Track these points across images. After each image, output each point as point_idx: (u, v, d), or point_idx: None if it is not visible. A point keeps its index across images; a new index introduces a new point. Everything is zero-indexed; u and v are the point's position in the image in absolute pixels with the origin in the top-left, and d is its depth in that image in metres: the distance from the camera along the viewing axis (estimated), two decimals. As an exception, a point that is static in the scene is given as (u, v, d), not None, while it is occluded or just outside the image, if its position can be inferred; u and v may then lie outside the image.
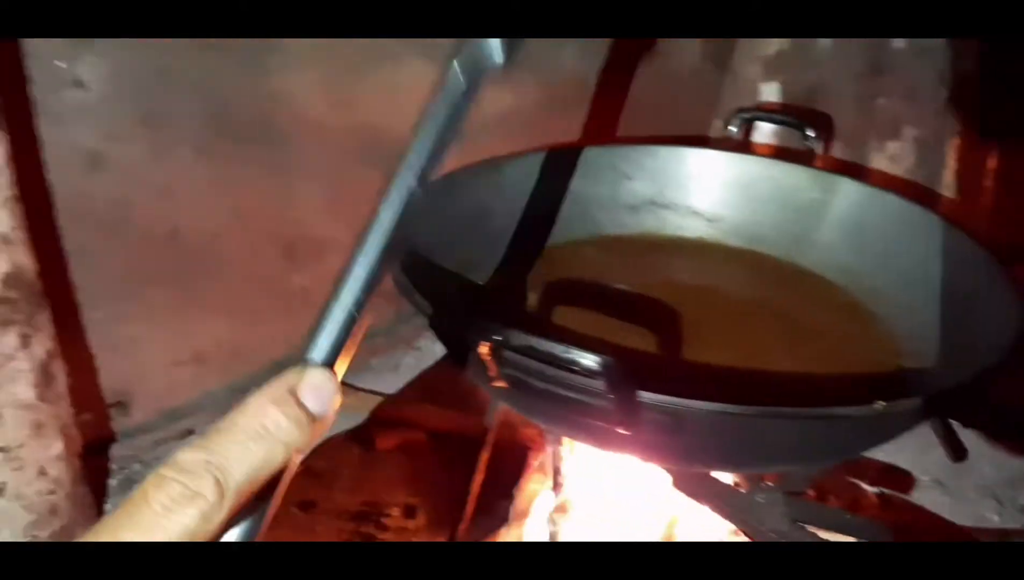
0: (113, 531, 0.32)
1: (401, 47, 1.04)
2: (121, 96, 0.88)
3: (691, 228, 0.88)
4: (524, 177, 0.84)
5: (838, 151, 1.20)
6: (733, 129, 0.93)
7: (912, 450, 1.05)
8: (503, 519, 0.88)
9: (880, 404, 0.50)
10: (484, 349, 0.51)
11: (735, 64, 1.29)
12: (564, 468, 0.82)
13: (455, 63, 0.47)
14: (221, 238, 1.02)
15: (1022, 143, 1.09)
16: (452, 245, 0.76)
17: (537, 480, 0.87)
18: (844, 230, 0.82)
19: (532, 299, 0.76)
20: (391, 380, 1.19)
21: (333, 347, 0.41)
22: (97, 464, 0.97)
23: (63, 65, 0.83)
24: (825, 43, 1.19)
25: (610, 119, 1.30)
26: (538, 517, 0.83)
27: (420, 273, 0.65)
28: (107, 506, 0.96)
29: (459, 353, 0.64)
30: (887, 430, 0.58)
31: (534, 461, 0.89)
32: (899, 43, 1.14)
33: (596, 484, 0.80)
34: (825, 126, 1.12)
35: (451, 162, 0.81)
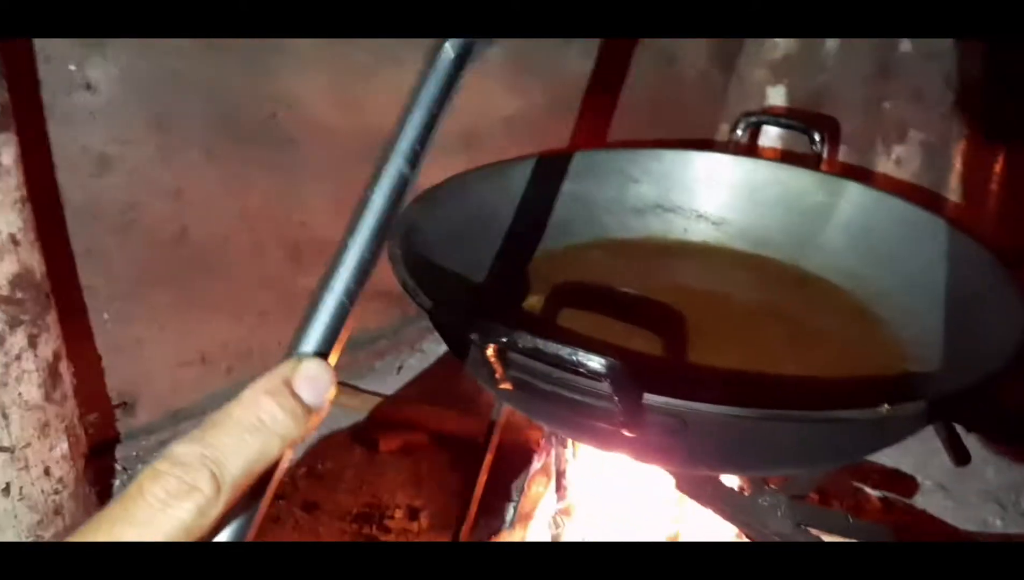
0: (109, 525, 0.32)
1: (407, 50, 1.04)
2: (130, 99, 0.88)
3: (697, 232, 0.88)
4: (530, 180, 0.84)
5: (844, 155, 1.20)
6: (739, 133, 0.93)
7: (915, 454, 1.05)
8: (507, 521, 0.88)
9: (885, 407, 0.50)
10: (490, 351, 0.51)
11: (741, 68, 1.29)
12: (568, 471, 0.82)
13: (446, 44, 0.46)
14: (228, 240, 1.02)
15: (1028, 147, 1.09)
16: (459, 247, 0.76)
17: (541, 483, 0.87)
18: (850, 234, 0.82)
19: (538, 302, 0.76)
20: (394, 382, 1.19)
21: (326, 338, 0.39)
22: (102, 464, 0.98)
23: (73, 68, 0.84)
24: (831, 47, 1.19)
25: (602, 122, 1.30)
26: (542, 519, 0.83)
27: (426, 275, 0.65)
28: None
29: (465, 355, 0.64)
30: (891, 434, 0.58)
31: (538, 463, 0.89)
32: (905, 47, 1.14)
33: (600, 487, 0.80)
34: (831, 130, 1.13)
35: (459, 165, 0.82)
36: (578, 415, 0.53)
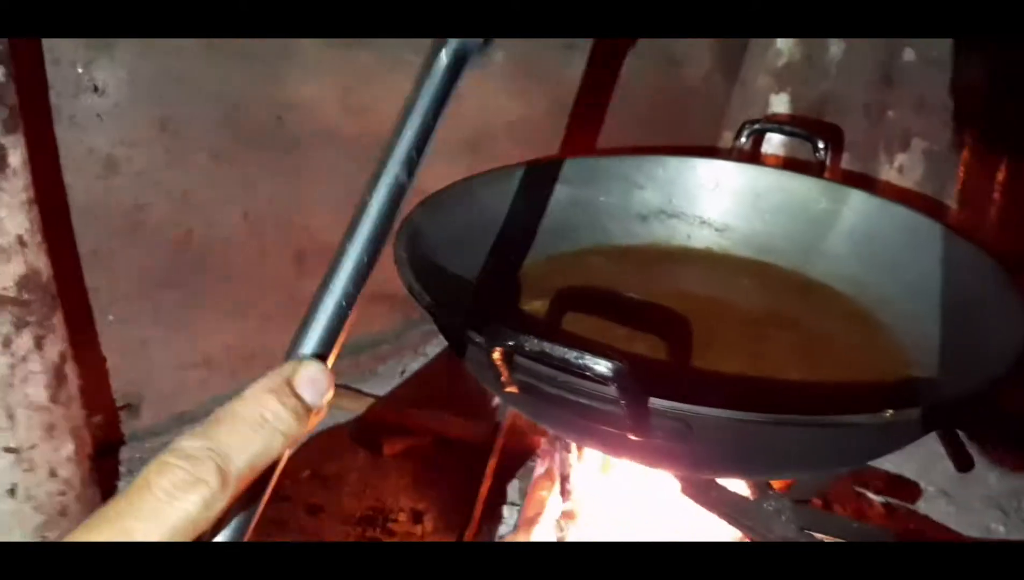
0: (116, 517, 0.32)
1: (414, 54, 1.05)
2: (137, 101, 0.89)
3: (701, 238, 0.88)
4: (534, 185, 0.85)
5: (847, 162, 1.20)
6: (743, 140, 0.93)
7: (918, 460, 1.05)
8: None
9: (888, 413, 0.50)
10: (496, 354, 0.51)
11: (745, 75, 1.29)
12: (572, 474, 0.83)
13: (442, 52, 0.47)
14: (233, 243, 1.02)
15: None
16: (463, 251, 0.77)
17: (545, 486, 0.87)
18: (853, 241, 0.82)
19: (542, 306, 0.76)
20: (398, 386, 1.19)
21: (325, 340, 0.40)
22: (107, 466, 0.98)
23: (80, 70, 0.85)
24: (834, 54, 1.20)
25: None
26: (546, 523, 0.84)
27: (431, 278, 0.66)
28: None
29: (470, 358, 0.64)
30: (895, 439, 0.58)
31: (541, 467, 0.89)
32: (909, 55, 1.15)
33: (604, 490, 0.80)
34: (834, 138, 1.13)
35: (463, 170, 0.82)
36: (583, 419, 0.53)
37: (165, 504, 0.32)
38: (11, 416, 0.78)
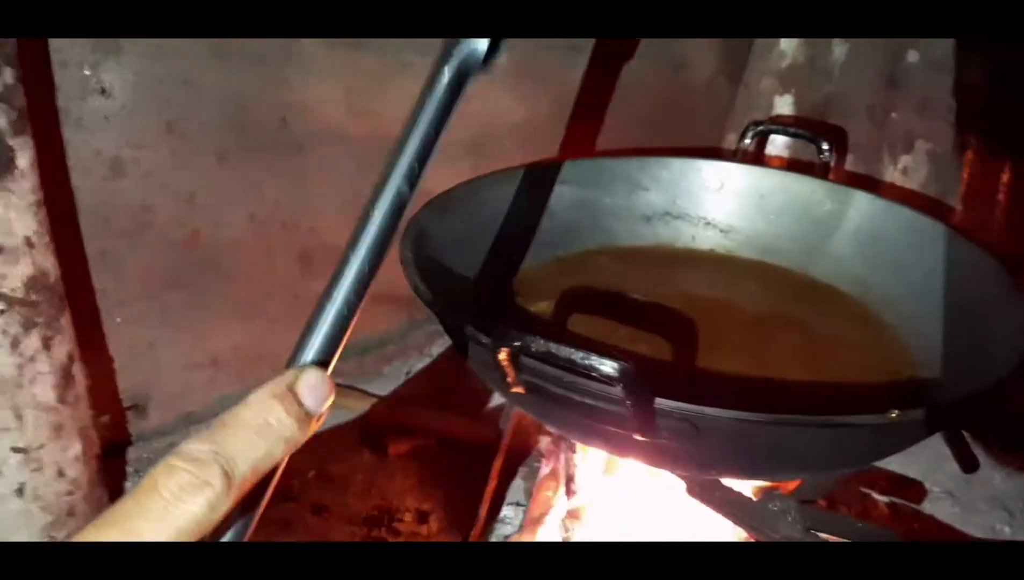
0: (123, 518, 0.33)
1: (419, 57, 1.05)
2: (144, 104, 0.89)
3: (705, 239, 0.88)
4: (539, 186, 0.85)
5: (851, 164, 1.20)
6: (747, 141, 0.93)
7: (923, 461, 1.05)
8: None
9: (894, 413, 0.50)
10: (502, 355, 0.51)
11: (748, 77, 1.29)
12: (577, 475, 0.83)
13: (444, 68, 0.48)
14: (239, 244, 1.03)
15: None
16: (469, 252, 0.77)
17: (550, 487, 0.88)
18: (857, 242, 0.82)
19: (547, 307, 0.76)
20: (403, 387, 1.20)
21: (327, 347, 0.41)
22: (114, 466, 0.98)
23: (88, 73, 0.85)
24: (838, 56, 1.20)
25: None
26: (551, 523, 0.84)
27: (437, 279, 0.66)
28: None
29: (475, 359, 0.64)
30: (900, 439, 0.58)
31: (547, 468, 0.90)
32: (912, 57, 1.15)
33: (609, 491, 0.80)
34: (838, 139, 1.13)
35: (468, 171, 0.82)
36: (589, 419, 0.53)
37: (172, 506, 0.33)
38: (19, 416, 0.78)
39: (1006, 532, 0.99)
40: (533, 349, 0.49)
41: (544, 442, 1.00)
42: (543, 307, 0.76)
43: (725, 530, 0.74)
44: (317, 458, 1.04)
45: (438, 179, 0.85)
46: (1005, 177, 1.10)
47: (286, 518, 0.95)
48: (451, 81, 0.48)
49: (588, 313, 0.76)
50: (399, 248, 0.68)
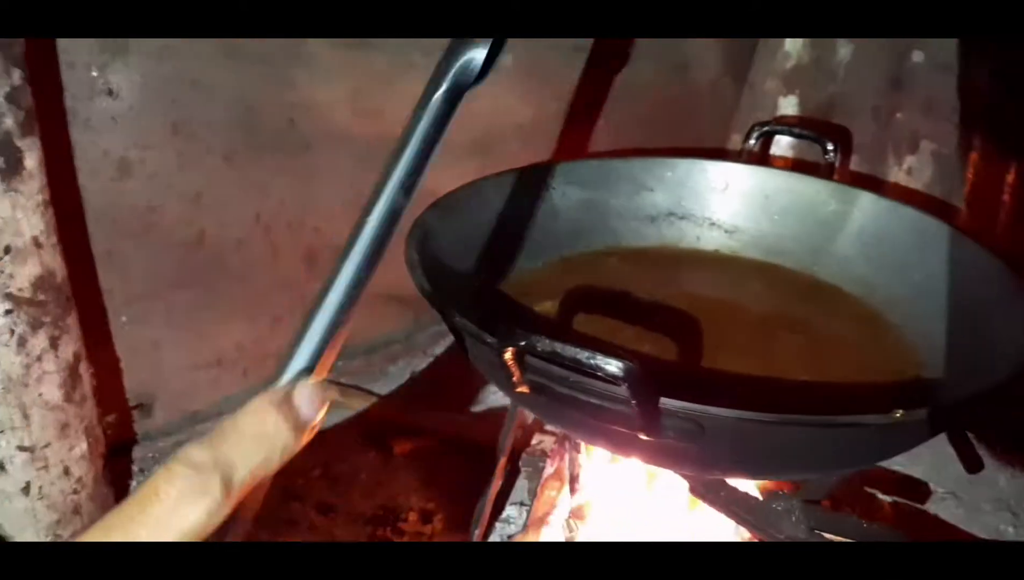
0: (126, 522, 0.33)
1: (425, 57, 1.05)
2: (151, 105, 0.90)
3: (710, 240, 0.89)
4: (543, 187, 0.85)
5: (855, 165, 1.20)
6: (752, 142, 0.94)
7: (927, 463, 1.05)
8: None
9: (898, 413, 0.50)
10: (508, 354, 0.51)
11: (753, 78, 1.29)
12: (582, 474, 0.83)
13: (441, 80, 0.49)
14: (245, 244, 1.03)
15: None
16: (474, 252, 0.77)
17: (554, 486, 0.88)
18: (862, 242, 0.82)
19: (552, 306, 0.77)
20: (408, 386, 1.20)
21: (319, 354, 0.43)
22: (120, 465, 0.98)
23: (95, 74, 0.85)
24: (843, 57, 1.20)
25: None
26: (555, 523, 0.84)
27: (443, 279, 0.66)
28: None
29: (480, 359, 0.65)
30: (905, 439, 0.59)
31: (551, 467, 0.90)
32: (917, 57, 1.15)
33: (613, 491, 0.81)
34: (843, 140, 1.13)
35: (473, 171, 0.83)
36: (594, 418, 0.53)
37: (172, 512, 0.34)
38: (26, 415, 0.78)
39: (1010, 533, 0.99)
40: (539, 348, 0.49)
41: (548, 442, 1.00)
42: (548, 307, 0.77)
43: (729, 530, 0.74)
44: (322, 457, 1.05)
45: (443, 180, 0.85)
46: (1010, 178, 1.10)
47: (291, 517, 0.95)
48: (445, 97, 0.49)
49: (593, 313, 0.76)
50: (405, 248, 0.68)
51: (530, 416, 1.01)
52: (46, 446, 0.80)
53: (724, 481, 0.69)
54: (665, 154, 0.91)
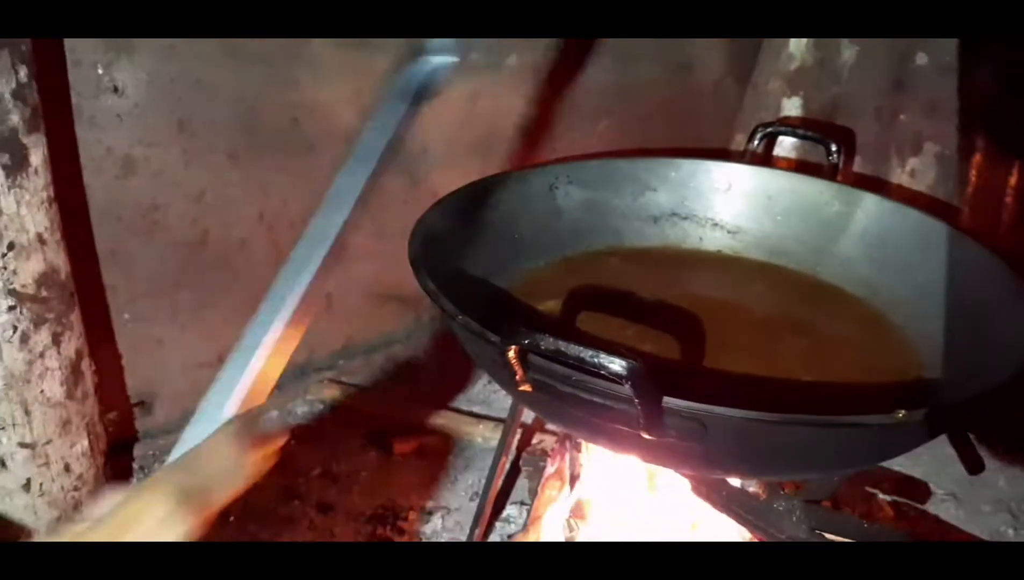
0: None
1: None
2: (156, 103, 0.90)
3: (713, 240, 0.89)
4: (546, 187, 0.85)
5: (859, 166, 1.20)
6: (755, 143, 0.93)
7: (926, 464, 1.05)
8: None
9: (901, 413, 0.50)
10: (511, 353, 0.51)
11: (757, 79, 1.30)
12: (582, 474, 0.83)
13: (401, 99, 0.49)
14: (248, 244, 1.03)
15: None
16: (476, 252, 0.77)
17: (554, 486, 0.88)
18: (865, 243, 0.82)
19: (555, 306, 0.77)
20: (409, 386, 1.20)
21: (261, 386, 0.44)
22: (121, 462, 0.98)
23: (101, 72, 0.85)
24: (846, 59, 1.20)
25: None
26: (556, 522, 0.84)
27: (445, 279, 0.66)
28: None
29: (483, 358, 0.65)
30: (907, 440, 0.59)
31: (552, 467, 0.90)
32: (921, 59, 1.15)
33: (615, 490, 0.81)
34: (846, 141, 1.13)
35: (475, 171, 0.83)
36: (597, 417, 0.53)
37: (150, 537, 0.36)
38: (27, 411, 0.79)
39: (1010, 535, 0.99)
40: (542, 347, 0.49)
41: (549, 441, 1.00)
42: (551, 306, 0.77)
43: (730, 530, 0.74)
44: (322, 457, 1.05)
45: (446, 180, 0.85)
46: (1012, 180, 1.10)
47: (292, 516, 0.95)
48: (407, 108, 0.49)
49: (595, 312, 0.76)
50: (408, 247, 0.68)
51: (531, 415, 1.02)
52: (47, 443, 0.81)
53: (726, 480, 0.69)
54: (668, 154, 0.90)
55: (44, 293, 0.77)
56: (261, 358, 0.44)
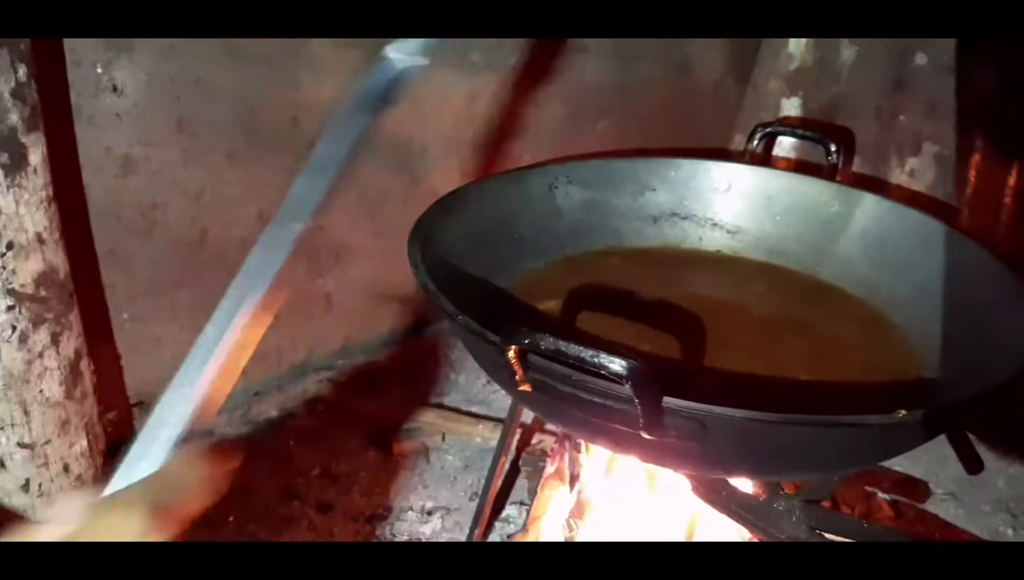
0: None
1: (427, 57, 1.06)
2: (155, 102, 0.90)
3: (713, 240, 0.89)
4: (547, 186, 0.85)
5: (858, 166, 1.20)
6: (755, 143, 0.94)
7: (925, 464, 1.05)
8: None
9: (901, 413, 0.50)
10: (511, 353, 0.51)
11: (756, 79, 1.30)
12: (582, 474, 0.83)
13: (364, 106, 0.49)
14: (248, 243, 1.02)
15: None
16: (477, 252, 0.77)
17: (554, 486, 0.88)
18: (864, 243, 0.82)
19: (555, 306, 0.77)
20: (409, 386, 1.20)
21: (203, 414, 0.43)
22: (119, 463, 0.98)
23: (100, 71, 0.85)
24: (846, 58, 1.20)
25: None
26: (555, 522, 0.84)
27: (445, 278, 0.66)
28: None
29: (483, 357, 0.65)
30: (907, 440, 0.59)
31: (551, 467, 0.90)
32: (920, 60, 1.15)
33: (614, 490, 0.81)
34: (846, 141, 1.13)
35: (477, 169, 0.83)
36: (597, 417, 0.53)
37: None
38: (26, 411, 0.78)
39: (1009, 535, 0.99)
40: (542, 347, 0.49)
41: (548, 441, 1.00)
42: (551, 306, 0.77)
43: (729, 530, 0.74)
44: (322, 457, 1.05)
45: (446, 180, 0.86)
46: (1011, 180, 1.10)
47: (291, 516, 0.95)
48: (368, 115, 0.49)
49: (596, 312, 0.76)
50: (408, 247, 0.68)
51: (530, 415, 1.02)
52: (46, 443, 0.80)
53: (726, 481, 0.69)
54: (668, 154, 0.90)
55: (43, 293, 0.77)
56: (209, 376, 0.43)
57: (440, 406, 1.16)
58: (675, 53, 1.37)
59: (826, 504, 0.73)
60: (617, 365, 0.47)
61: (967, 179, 1.13)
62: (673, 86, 1.38)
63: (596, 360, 0.47)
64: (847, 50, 1.20)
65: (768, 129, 0.94)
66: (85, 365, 0.84)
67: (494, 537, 0.95)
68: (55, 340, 0.79)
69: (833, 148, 0.88)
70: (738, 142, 1.31)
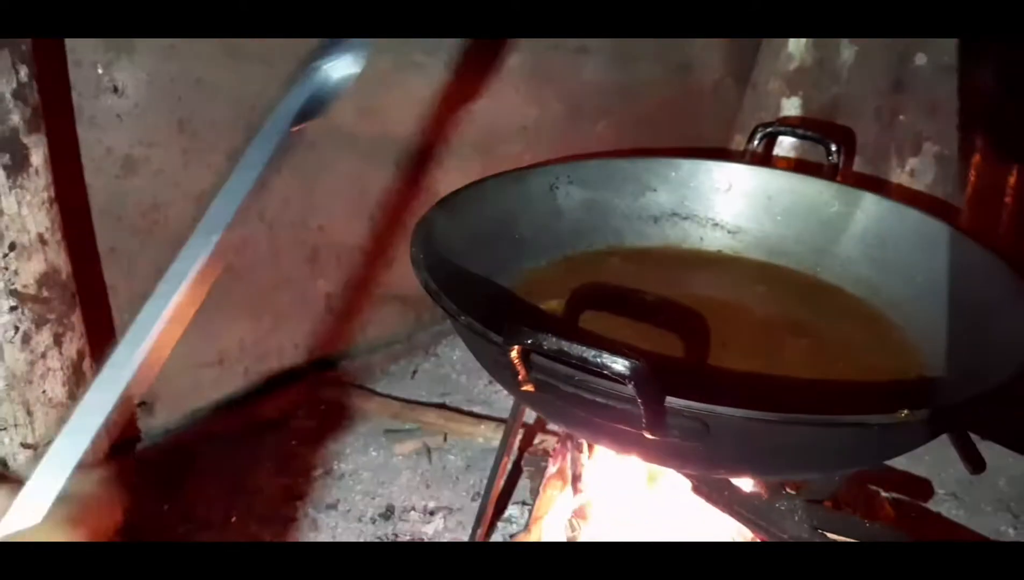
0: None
1: (428, 57, 1.06)
2: (156, 103, 0.90)
3: (713, 240, 0.89)
4: (547, 187, 0.85)
5: (858, 166, 1.20)
6: (755, 143, 0.94)
7: (927, 464, 1.05)
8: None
9: (903, 413, 0.50)
10: (514, 353, 0.51)
11: (756, 79, 1.30)
12: (584, 474, 0.83)
13: (295, 110, 0.48)
14: (247, 243, 1.03)
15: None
16: (477, 251, 0.77)
17: (556, 486, 0.88)
18: (865, 243, 0.82)
19: (557, 305, 0.77)
20: (409, 386, 1.20)
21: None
22: (122, 463, 0.98)
23: (101, 72, 0.85)
24: (846, 58, 1.20)
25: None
26: (557, 522, 0.84)
27: (446, 278, 0.66)
28: (131, 504, 0.97)
29: (485, 357, 0.65)
30: (908, 439, 0.59)
31: (553, 467, 0.90)
32: (920, 60, 1.15)
33: (616, 490, 0.81)
34: (846, 141, 1.13)
35: (476, 171, 0.83)
36: (600, 417, 0.53)
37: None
38: (29, 412, 0.78)
39: (1010, 534, 1.00)
40: (545, 347, 0.49)
41: (550, 441, 1.00)
42: (552, 306, 0.77)
43: (731, 529, 0.74)
44: (322, 457, 1.05)
45: (447, 179, 0.86)
46: (1012, 179, 1.10)
47: (293, 516, 0.95)
48: (296, 119, 0.48)
49: (597, 311, 0.76)
50: (409, 247, 0.68)
51: (533, 415, 1.02)
52: (49, 443, 0.80)
53: (728, 480, 0.69)
54: (668, 154, 0.91)
55: (45, 293, 0.77)
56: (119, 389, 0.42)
57: (442, 406, 1.16)
58: (675, 53, 1.37)
59: (828, 504, 0.73)
60: (620, 365, 0.47)
61: (967, 179, 1.13)
62: (673, 86, 1.38)
63: (599, 360, 0.47)
64: (847, 50, 1.20)
65: (768, 129, 0.94)
66: (88, 366, 0.84)
67: (496, 537, 0.95)
68: (58, 341, 0.79)
69: (833, 148, 0.88)
70: (738, 142, 1.31)
